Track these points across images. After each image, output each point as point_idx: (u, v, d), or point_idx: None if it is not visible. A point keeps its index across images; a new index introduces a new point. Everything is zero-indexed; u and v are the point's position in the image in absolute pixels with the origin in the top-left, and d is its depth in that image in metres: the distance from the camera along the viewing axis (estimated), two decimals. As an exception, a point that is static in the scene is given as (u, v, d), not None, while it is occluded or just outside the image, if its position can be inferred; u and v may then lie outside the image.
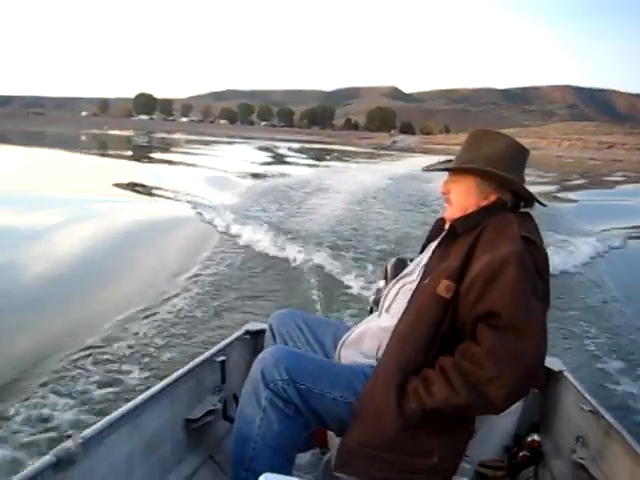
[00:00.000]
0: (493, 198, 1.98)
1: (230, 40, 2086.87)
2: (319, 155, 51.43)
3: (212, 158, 34.27)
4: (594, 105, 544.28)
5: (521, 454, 2.65)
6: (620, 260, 10.92)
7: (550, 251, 6.55)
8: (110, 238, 9.25)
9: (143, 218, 11.61)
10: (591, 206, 21.15)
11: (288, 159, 41.51)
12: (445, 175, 2.13)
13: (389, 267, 2.47)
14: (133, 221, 11.09)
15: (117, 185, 16.84)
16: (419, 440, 1.85)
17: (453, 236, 1.98)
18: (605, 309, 7.54)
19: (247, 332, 3.06)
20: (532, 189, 2.05)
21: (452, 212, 2.02)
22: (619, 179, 43.81)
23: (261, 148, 55.97)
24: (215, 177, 21.56)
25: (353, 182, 23.01)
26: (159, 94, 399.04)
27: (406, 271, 2.15)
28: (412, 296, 1.97)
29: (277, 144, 68.90)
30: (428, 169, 2.15)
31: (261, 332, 2.86)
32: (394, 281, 2.14)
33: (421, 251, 2.22)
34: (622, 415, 4.16)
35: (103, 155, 31.29)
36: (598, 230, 13.89)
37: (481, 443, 1.99)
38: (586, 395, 2.55)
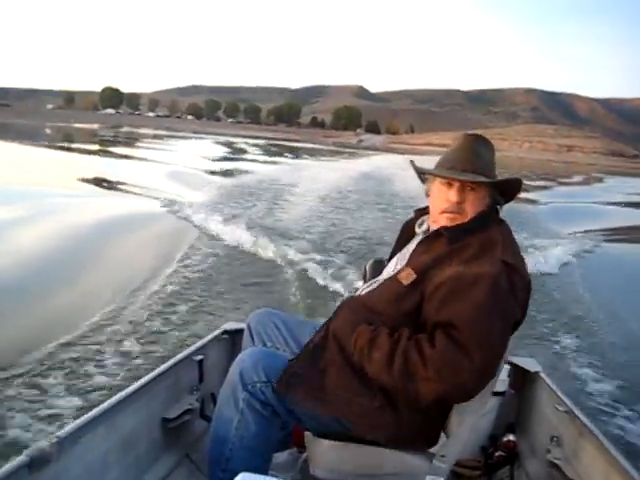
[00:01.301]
0: (489, 202, 2.01)
1: (197, 35, 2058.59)
2: (284, 152, 51.31)
3: (176, 154, 33.88)
4: (557, 108, 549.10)
5: (497, 454, 2.69)
6: (591, 262, 10.91)
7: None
8: (74, 234, 8.90)
9: (109, 214, 11.22)
10: (560, 208, 21.30)
11: (251, 156, 41.07)
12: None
13: (368, 267, 2.47)
14: (99, 217, 10.64)
15: (83, 180, 16.73)
16: (362, 382, 1.91)
17: (435, 238, 2.02)
18: (577, 310, 7.60)
19: (225, 332, 3.06)
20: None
21: (462, 220, 1.97)
22: (579, 180, 46.69)
23: (225, 144, 55.99)
24: (179, 172, 21.35)
25: (318, 180, 22.93)
26: (125, 88, 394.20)
27: (385, 271, 2.17)
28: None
29: (241, 140, 69.16)
30: (449, 177, 1.99)
31: (239, 332, 2.84)
32: (371, 281, 2.15)
33: (391, 256, 2.24)
34: (597, 415, 4.41)
35: (70, 150, 30.10)
36: (568, 232, 14.20)
37: (457, 443, 1.97)
38: (561, 396, 2.58)
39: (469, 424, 1.96)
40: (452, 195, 1.96)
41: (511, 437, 2.72)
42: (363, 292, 2.11)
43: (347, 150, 75.36)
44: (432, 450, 1.97)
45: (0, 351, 4.64)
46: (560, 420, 2.51)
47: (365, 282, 2.29)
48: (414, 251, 2.05)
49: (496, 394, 2.71)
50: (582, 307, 7.71)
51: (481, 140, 2.04)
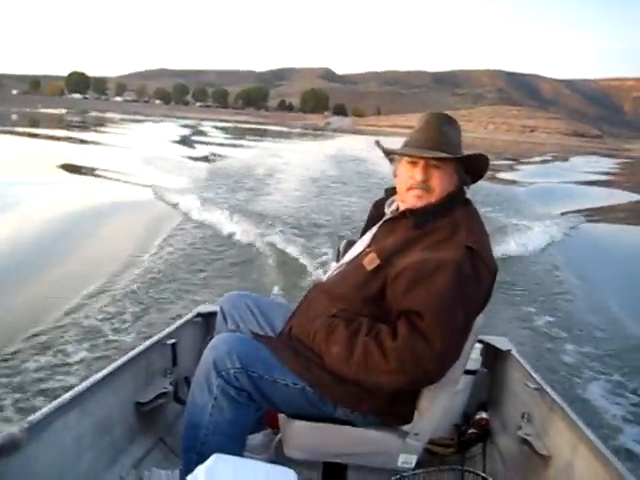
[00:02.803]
0: (456, 181, 2.00)
1: (163, 19, 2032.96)
2: (255, 136, 51.58)
3: (145, 138, 34.06)
4: (522, 89, 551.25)
5: (470, 432, 2.73)
6: (573, 242, 10.99)
7: (504, 235, 9.86)
8: (55, 220, 8.96)
9: (88, 200, 11.23)
10: (538, 189, 21.29)
11: (221, 140, 41.20)
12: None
13: (341, 248, 2.46)
14: (77, 204, 10.63)
15: (57, 167, 16.70)
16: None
17: (400, 220, 2.03)
18: (557, 289, 7.76)
19: (198, 314, 3.05)
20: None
21: (429, 199, 1.97)
22: (548, 159, 48.30)
23: (193, 128, 56.81)
24: (151, 158, 21.15)
25: (292, 162, 23.36)
26: (92, 72, 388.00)
27: (350, 252, 2.18)
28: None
29: (210, 124, 69.78)
30: (410, 154, 2.01)
31: (212, 314, 2.81)
32: (341, 262, 2.18)
33: (362, 234, 2.23)
34: (566, 391, 4.45)
35: (38, 136, 29.08)
36: (551, 213, 14.19)
37: (430, 421, 1.99)
38: (532, 373, 2.62)
39: (441, 402, 1.99)
40: (417, 173, 1.97)
41: (484, 415, 2.76)
42: (331, 276, 2.15)
43: (315, 132, 77.65)
44: (405, 428, 2.00)
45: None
46: (531, 397, 2.55)
47: (337, 263, 2.29)
48: (377, 232, 2.08)
49: (468, 372, 2.74)
50: (563, 287, 7.86)
51: (446, 118, 2.04)
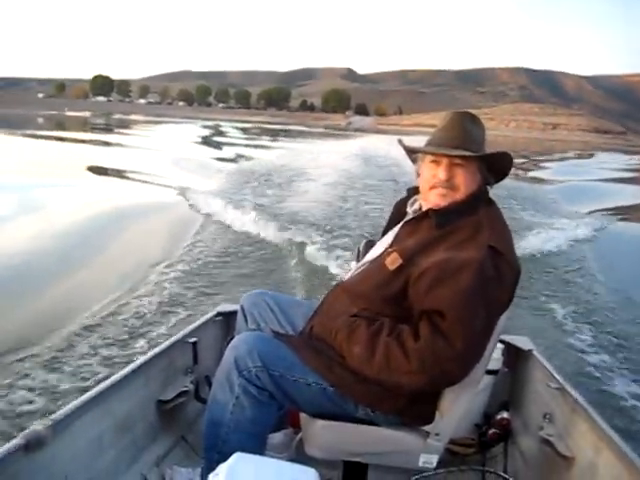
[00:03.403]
0: (480, 180, 1.99)
1: (184, 20, 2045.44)
2: (279, 137, 51.58)
3: (170, 140, 34.26)
4: (544, 87, 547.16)
5: (491, 432, 2.71)
6: (605, 242, 10.70)
7: (531, 233, 9.86)
8: (86, 222, 9.06)
9: (114, 202, 11.25)
10: (565, 187, 20.93)
11: (246, 141, 41.15)
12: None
13: (361, 248, 2.47)
14: (107, 205, 10.78)
15: (86, 169, 16.86)
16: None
17: (422, 220, 2.02)
18: (585, 288, 7.66)
19: (219, 314, 3.08)
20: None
21: (453, 198, 1.96)
22: (569, 156, 47.81)
23: (215, 129, 57.23)
24: (178, 159, 21.23)
25: (317, 163, 22.94)
26: (115, 75, 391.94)
27: (371, 252, 2.18)
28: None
29: (233, 125, 70.12)
30: (434, 152, 2.00)
31: (233, 313, 2.83)
32: (360, 263, 2.17)
33: (383, 234, 2.23)
34: (589, 391, 4.36)
35: (64, 139, 29.40)
36: (582, 212, 13.96)
37: (451, 421, 1.99)
38: (554, 373, 2.61)
39: (463, 402, 1.99)
40: (440, 172, 1.95)
41: (505, 415, 2.74)
42: (352, 275, 2.14)
43: (336, 132, 77.38)
44: (426, 428, 2.00)
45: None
46: (552, 397, 2.54)
47: (357, 263, 2.29)
48: (400, 232, 2.07)
49: (490, 372, 2.73)
50: (593, 285, 7.78)
51: (470, 117, 2.02)
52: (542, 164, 35.73)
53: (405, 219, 2.11)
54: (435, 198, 1.98)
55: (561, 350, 5.42)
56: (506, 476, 2.44)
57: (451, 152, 1.92)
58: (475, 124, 2.01)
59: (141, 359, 2.41)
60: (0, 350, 4.48)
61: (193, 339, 2.73)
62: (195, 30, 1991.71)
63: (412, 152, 2.13)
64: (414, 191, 2.20)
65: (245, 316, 2.41)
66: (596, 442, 2.13)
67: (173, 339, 2.68)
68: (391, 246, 2.01)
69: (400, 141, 2.14)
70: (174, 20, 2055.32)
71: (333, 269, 7.34)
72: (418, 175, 2.09)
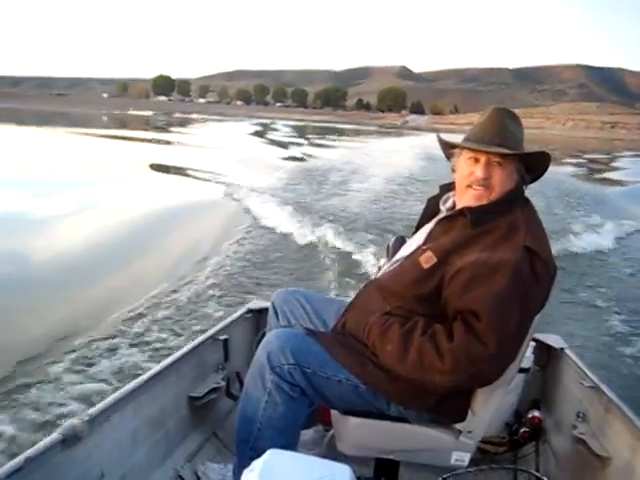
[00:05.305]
0: (516, 179, 1.94)
1: (240, 20, 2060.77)
2: (339, 136, 52.52)
3: (233, 139, 35.29)
4: (604, 84, 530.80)
5: (522, 430, 2.69)
6: None
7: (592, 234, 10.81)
8: (146, 218, 9.49)
9: (170, 200, 11.73)
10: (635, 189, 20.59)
11: (307, 140, 41.89)
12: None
13: (391, 245, 2.38)
14: (167, 202, 11.33)
15: (151, 167, 17.52)
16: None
17: (457, 219, 1.98)
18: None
19: (249, 310, 3.07)
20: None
21: (489, 197, 1.91)
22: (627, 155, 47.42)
23: (262, 126, 58.72)
24: (242, 158, 21.64)
25: (375, 162, 23.22)
26: (175, 74, 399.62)
27: (404, 249, 2.15)
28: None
29: (292, 124, 71.73)
30: (474, 148, 1.93)
31: (263, 310, 2.84)
32: (392, 260, 2.15)
33: (415, 230, 2.21)
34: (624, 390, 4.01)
35: (131, 139, 30.11)
36: None
37: (482, 419, 1.93)
38: (587, 371, 2.57)
39: (495, 401, 1.96)
40: (478, 171, 1.91)
41: (536, 413, 2.71)
42: (384, 273, 2.13)
43: (390, 130, 79.97)
44: (458, 426, 1.99)
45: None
46: (586, 396, 2.50)
47: (388, 260, 2.26)
48: (433, 229, 2.04)
49: (521, 371, 2.69)
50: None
51: (509, 114, 1.96)
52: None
53: (439, 217, 2.09)
54: (470, 197, 1.95)
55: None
56: (539, 475, 2.34)
57: (490, 149, 1.89)
58: (514, 121, 1.96)
59: (173, 356, 2.44)
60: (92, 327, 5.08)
61: (224, 336, 2.78)
62: (249, 29, 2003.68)
63: (450, 147, 2.08)
64: (447, 188, 2.18)
65: (276, 313, 2.41)
66: (633, 442, 2.09)
67: (204, 336, 2.70)
68: (425, 244, 1.99)
69: (438, 136, 2.12)
70: (229, 19, 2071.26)
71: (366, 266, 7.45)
72: (453, 171, 2.06)
